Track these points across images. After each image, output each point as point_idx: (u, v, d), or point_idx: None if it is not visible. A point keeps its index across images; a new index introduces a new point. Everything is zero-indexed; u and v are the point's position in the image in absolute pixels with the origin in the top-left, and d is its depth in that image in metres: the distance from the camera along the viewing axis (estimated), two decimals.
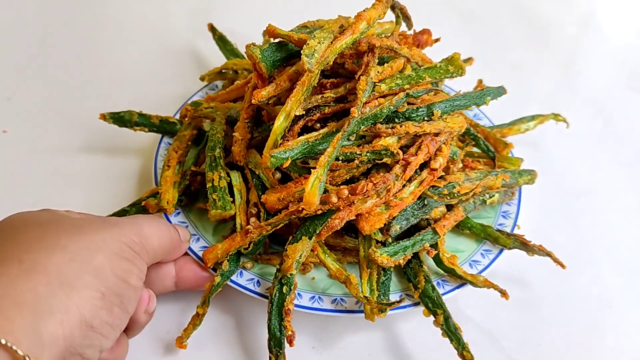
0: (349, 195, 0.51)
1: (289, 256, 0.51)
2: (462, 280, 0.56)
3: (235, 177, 0.57)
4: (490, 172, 0.62)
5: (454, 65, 0.57)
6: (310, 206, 0.47)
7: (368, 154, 0.53)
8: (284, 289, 0.51)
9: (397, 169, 0.54)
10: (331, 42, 0.52)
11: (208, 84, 0.77)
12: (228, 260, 0.53)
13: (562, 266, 0.58)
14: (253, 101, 0.51)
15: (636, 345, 0.57)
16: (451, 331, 0.51)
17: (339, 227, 0.51)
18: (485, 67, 0.94)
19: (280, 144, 0.51)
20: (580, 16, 1.11)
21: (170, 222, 0.58)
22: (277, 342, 0.50)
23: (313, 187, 0.47)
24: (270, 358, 0.49)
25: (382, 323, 0.57)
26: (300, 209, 0.50)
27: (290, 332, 0.50)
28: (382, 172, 0.55)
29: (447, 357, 0.53)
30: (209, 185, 0.55)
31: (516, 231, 0.62)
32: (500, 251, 0.60)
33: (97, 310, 0.40)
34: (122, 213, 0.59)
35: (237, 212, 0.55)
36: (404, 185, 0.54)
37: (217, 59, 0.84)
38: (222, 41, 0.83)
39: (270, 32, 0.54)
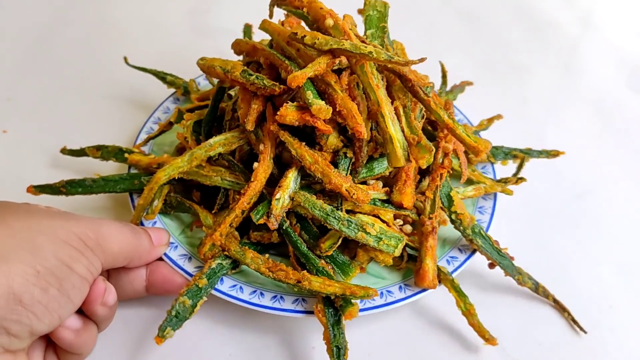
0: None
1: None
2: None
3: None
4: None
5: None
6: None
7: None
8: None
9: None
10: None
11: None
12: None
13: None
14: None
15: (636, 345, 0.57)
16: None
17: None
18: (485, 67, 0.95)
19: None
20: (580, 16, 1.11)
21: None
22: None
23: None
24: None
25: (380, 321, 0.57)
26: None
27: None
28: None
29: (447, 352, 0.54)
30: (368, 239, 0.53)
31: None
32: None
33: (28, 285, 0.39)
34: None
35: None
36: None
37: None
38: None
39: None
